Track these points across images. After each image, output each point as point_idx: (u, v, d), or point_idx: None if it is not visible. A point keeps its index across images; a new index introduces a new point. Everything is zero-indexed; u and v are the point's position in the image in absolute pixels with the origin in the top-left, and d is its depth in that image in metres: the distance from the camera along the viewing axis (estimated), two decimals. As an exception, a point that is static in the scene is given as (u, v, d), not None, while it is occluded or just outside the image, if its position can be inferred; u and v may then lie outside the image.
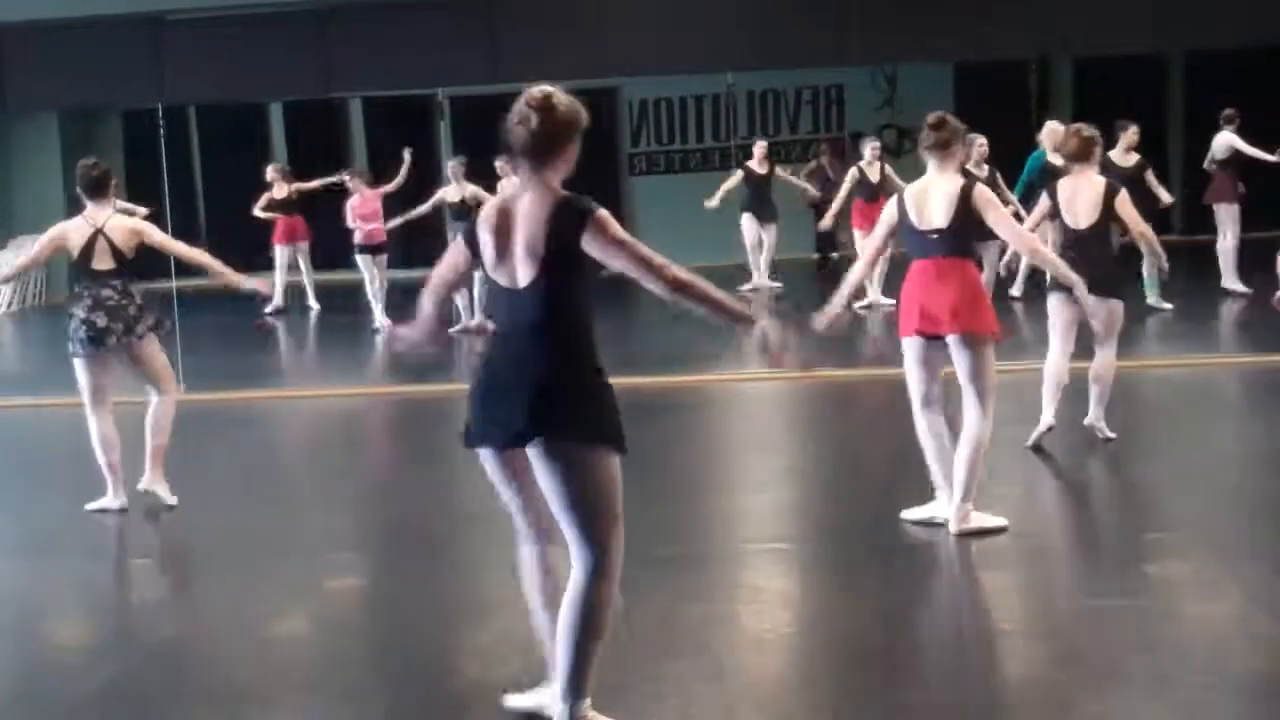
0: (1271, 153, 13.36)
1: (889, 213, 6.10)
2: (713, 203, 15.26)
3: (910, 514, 6.15)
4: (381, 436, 9.62)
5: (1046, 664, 4.62)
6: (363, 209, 14.46)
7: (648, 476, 7.37)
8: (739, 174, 15.57)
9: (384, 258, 14.50)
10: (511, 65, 15.82)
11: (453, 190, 13.91)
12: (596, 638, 3.85)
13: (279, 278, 15.52)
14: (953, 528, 5.92)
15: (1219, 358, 10.44)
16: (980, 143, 12.85)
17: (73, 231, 6.85)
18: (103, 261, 6.78)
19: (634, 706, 4.26)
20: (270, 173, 16.55)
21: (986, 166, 13.03)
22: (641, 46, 15.22)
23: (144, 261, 7.03)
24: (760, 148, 15.75)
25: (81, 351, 6.73)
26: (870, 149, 14.13)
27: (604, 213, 3.81)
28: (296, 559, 6.18)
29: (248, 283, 7.39)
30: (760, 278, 15.57)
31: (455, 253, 4.05)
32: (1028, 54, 17.30)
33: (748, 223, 15.42)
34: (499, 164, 13.57)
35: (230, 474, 8.07)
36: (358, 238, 14.39)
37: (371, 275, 14.27)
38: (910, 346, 6.00)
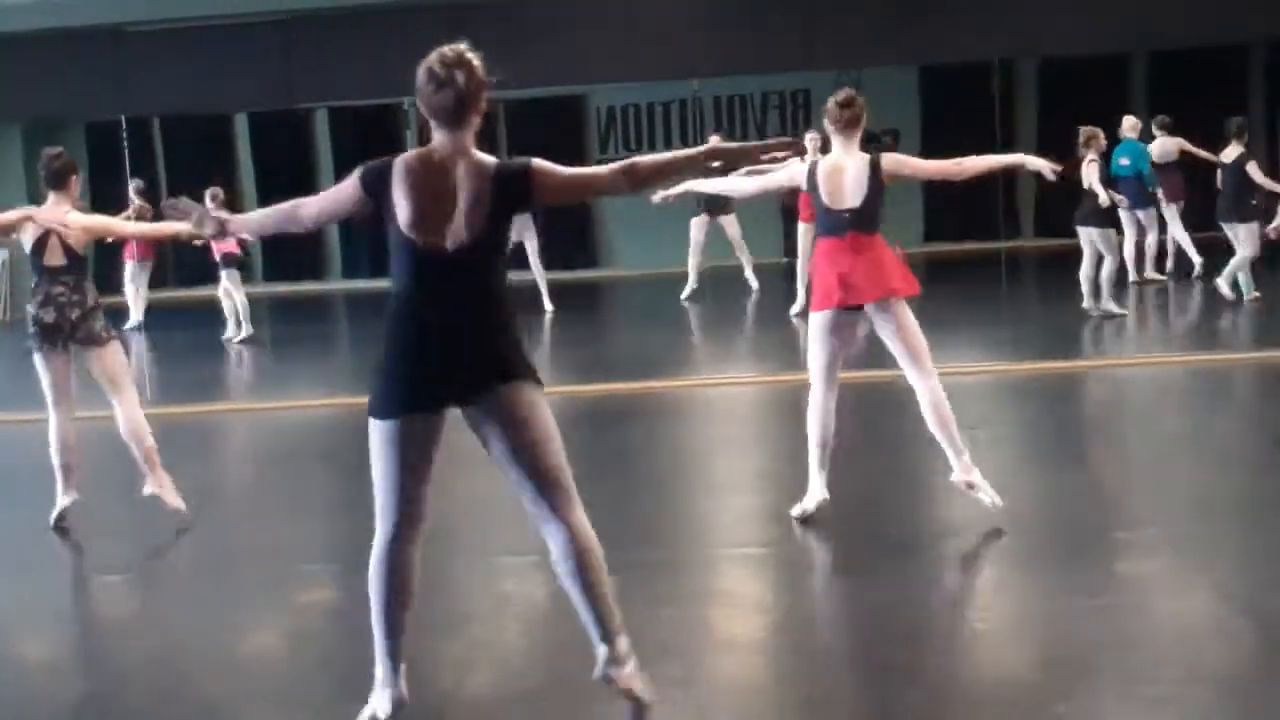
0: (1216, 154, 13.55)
1: (796, 172, 6.12)
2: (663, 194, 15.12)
3: (796, 510, 6.17)
4: (348, 448, 9.56)
5: (1019, 663, 4.64)
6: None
7: (619, 481, 7.37)
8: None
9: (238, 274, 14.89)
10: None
11: None
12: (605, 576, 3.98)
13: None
14: (966, 477, 6.02)
15: (1186, 356, 10.49)
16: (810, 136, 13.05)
17: (33, 219, 6.73)
18: (54, 257, 6.68)
19: (606, 713, 4.25)
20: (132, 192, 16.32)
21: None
22: (609, 54, 15.26)
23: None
24: (714, 141, 15.63)
25: (34, 347, 6.67)
26: (809, 140, 14.09)
27: (539, 162, 3.83)
28: (267, 572, 6.15)
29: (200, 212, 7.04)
30: (749, 272, 15.46)
31: (350, 195, 3.88)
32: (991, 56, 17.41)
33: (696, 226, 15.22)
34: None
35: (198, 488, 8.02)
36: (219, 254, 14.71)
37: (228, 290, 14.72)
38: (823, 320, 6.01)
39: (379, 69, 15.44)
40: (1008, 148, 16.34)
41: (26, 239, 6.73)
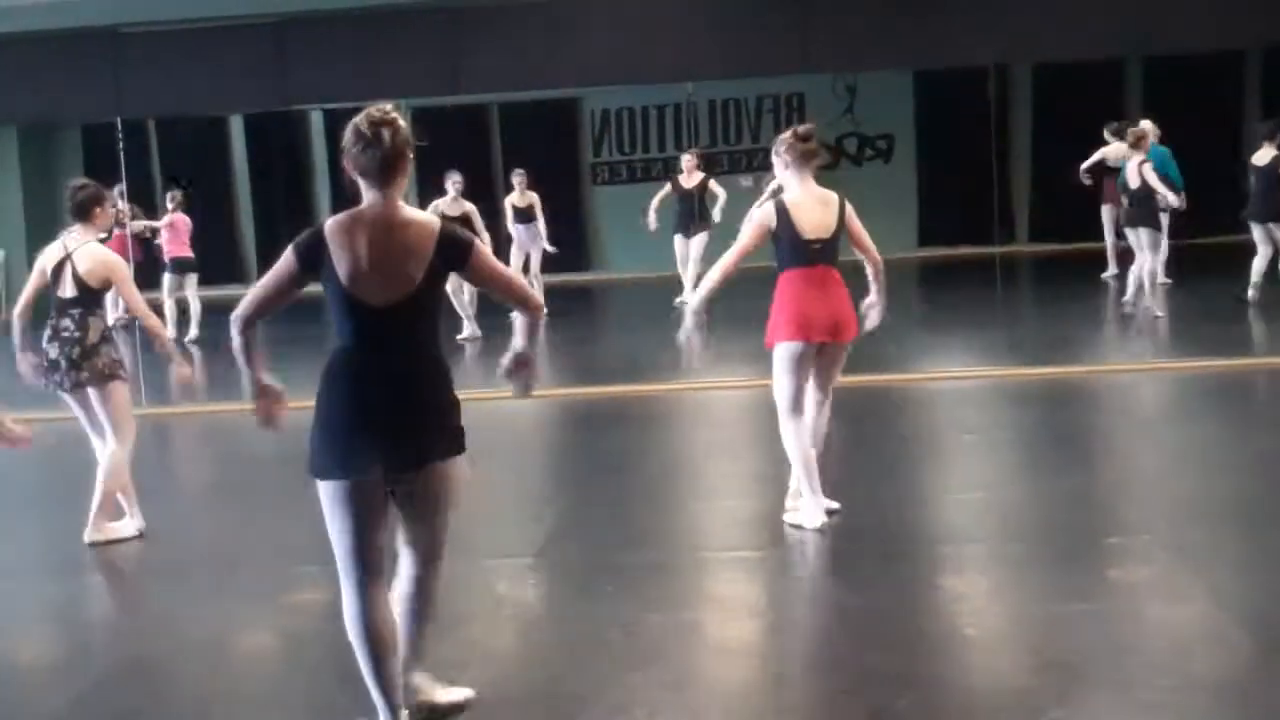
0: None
1: (764, 217, 6.13)
2: (649, 220, 14.94)
3: (815, 524, 6.19)
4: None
5: (1012, 669, 4.63)
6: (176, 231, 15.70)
7: (610, 486, 7.36)
8: (666, 186, 15.23)
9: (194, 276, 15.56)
10: (473, 76, 15.83)
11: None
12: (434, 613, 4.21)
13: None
14: (814, 522, 6.14)
15: (1183, 362, 10.50)
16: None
17: (49, 254, 6.60)
18: (65, 289, 6.53)
19: (598, 716, 4.25)
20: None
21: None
22: (602, 57, 15.23)
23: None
24: (688, 159, 15.28)
25: (46, 384, 6.55)
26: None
27: (481, 245, 3.96)
28: (259, 572, 6.14)
29: (178, 362, 6.85)
30: (687, 291, 15.33)
31: (289, 271, 3.88)
32: (987, 61, 17.41)
33: (678, 243, 15.08)
34: (451, 180, 13.86)
35: (191, 488, 8.01)
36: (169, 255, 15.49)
37: (171, 290, 15.40)
38: (792, 350, 6.07)
39: (374, 71, 15.44)
40: (1003, 151, 16.36)
41: (48, 268, 6.56)
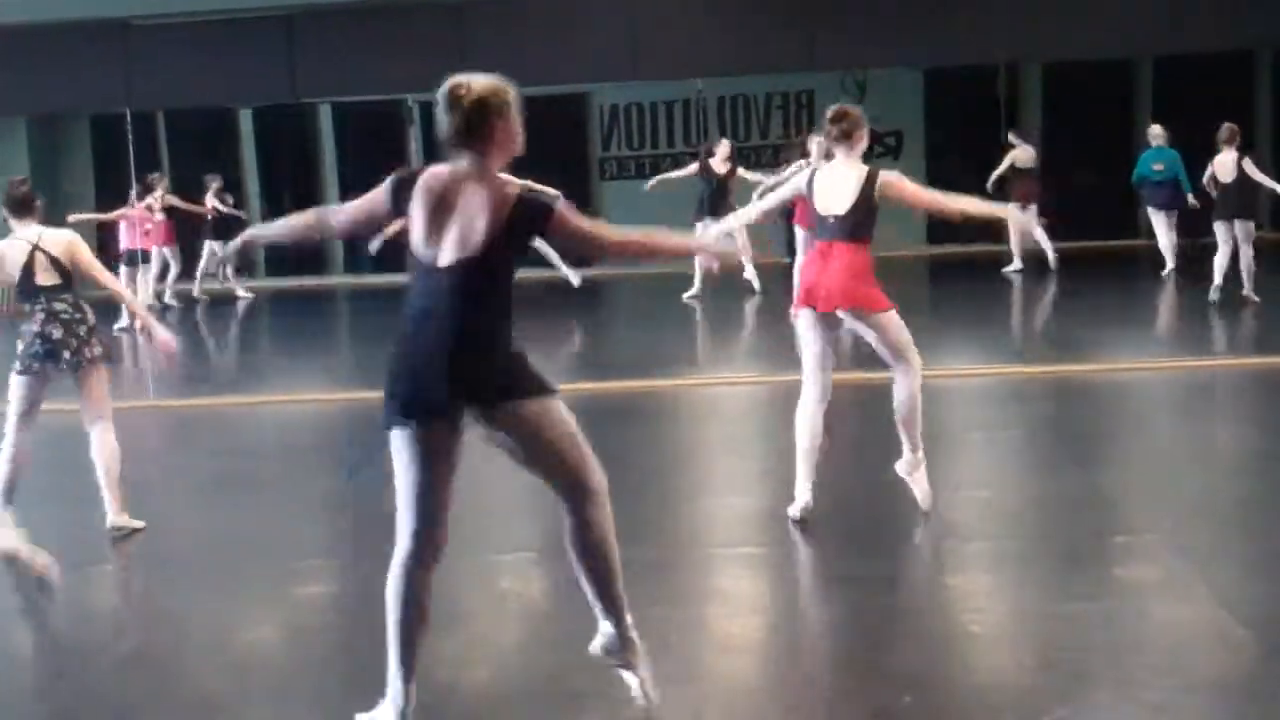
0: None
1: (799, 180, 6.35)
2: (651, 183, 15.36)
3: (794, 512, 6.22)
4: (347, 443, 9.56)
5: (1016, 667, 4.63)
6: (142, 221, 16.40)
7: (617, 480, 7.34)
8: (693, 167, 15.39)
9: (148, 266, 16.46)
10: (482, 70, 15.83)
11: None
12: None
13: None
14: (908, 473, 6.28)
15: (1188, 360, 10.48)
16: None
17: (9, 251, 6.62)
18: (47, 277, 6.55)
19: (602, 709, 4.26)
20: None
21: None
22: (612, 52, 15.22)
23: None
24: (725, 146, 15.53)
25: (34, 368, 6.49)
26: (815, 144, 13.96)
27: (562, 207, 3.94)
28: (265, 566, 6.15)
29: (157, 329, 6.79)
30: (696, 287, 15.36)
31: (379, 200, 4.04)
32: (997, 59, 17.39)
33: (700, 229, 15.13)
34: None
35: (197, 481, 8.02)
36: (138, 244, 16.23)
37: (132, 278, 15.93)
38: (802, 319, 6.22)
39: (383, 64, 15.44)
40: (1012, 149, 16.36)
41: (14, 264, 6.56)
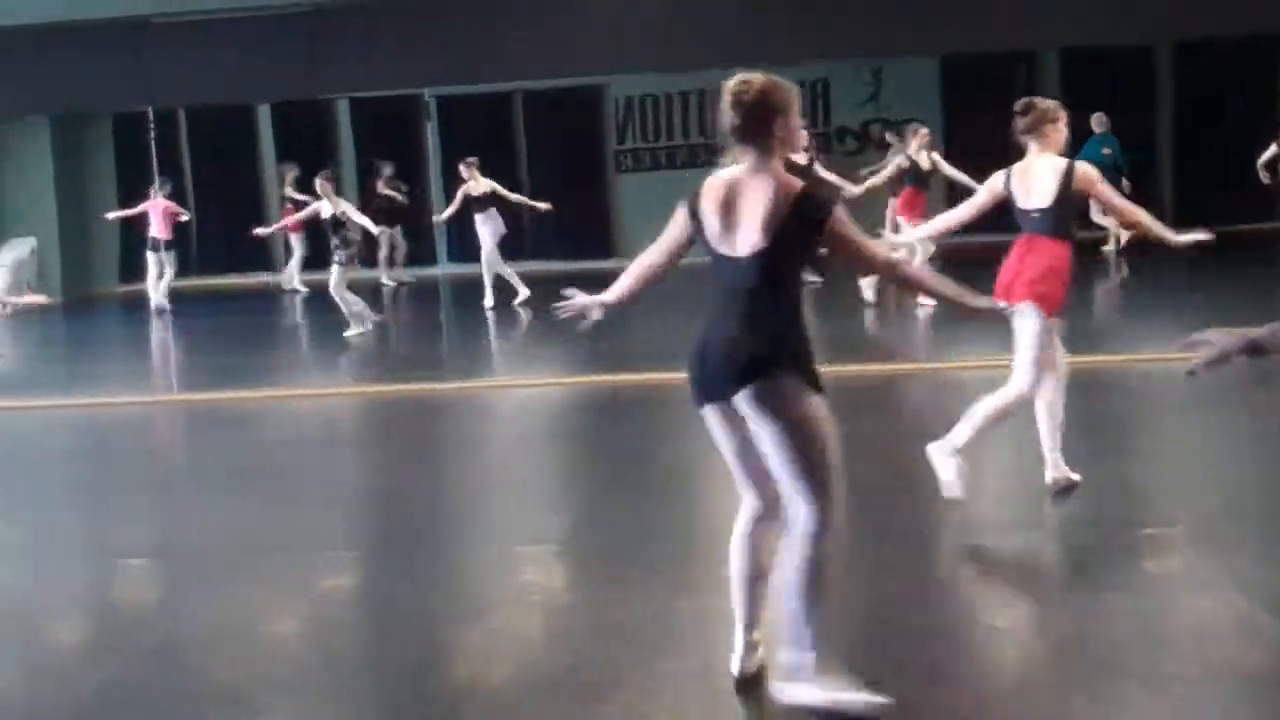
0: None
1: (995, 182, 6.30)
2: (858, 191, 14.08)
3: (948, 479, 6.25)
4: (373, 436, 9.60)
5: (1041, 660, 4.62)
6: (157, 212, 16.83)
7: (637, 473, 7.37)
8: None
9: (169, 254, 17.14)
10: (497, 65, 15.85)
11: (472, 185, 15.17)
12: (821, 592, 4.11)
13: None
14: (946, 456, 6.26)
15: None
16: (923, 132, 13.47)
17: None
18: None
19: (627, 703, 4.26)
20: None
21: (925, 154, 13.29)
22: (626, 44, 15.23)
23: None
24: (803, 135, 15.18)
25: None
26: (921, 136, 13.82)
27: (841, 210, 4.05)
28: (289, 559, 6.18)
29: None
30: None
31: (681, 224, 4.27)
32: (1014, 47, 17.33)
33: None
34: (463, 166, 14.42)
35: (221, 474, 8.06)
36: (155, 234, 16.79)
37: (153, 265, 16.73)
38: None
39: (401, 60, 15.49)
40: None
41: None
